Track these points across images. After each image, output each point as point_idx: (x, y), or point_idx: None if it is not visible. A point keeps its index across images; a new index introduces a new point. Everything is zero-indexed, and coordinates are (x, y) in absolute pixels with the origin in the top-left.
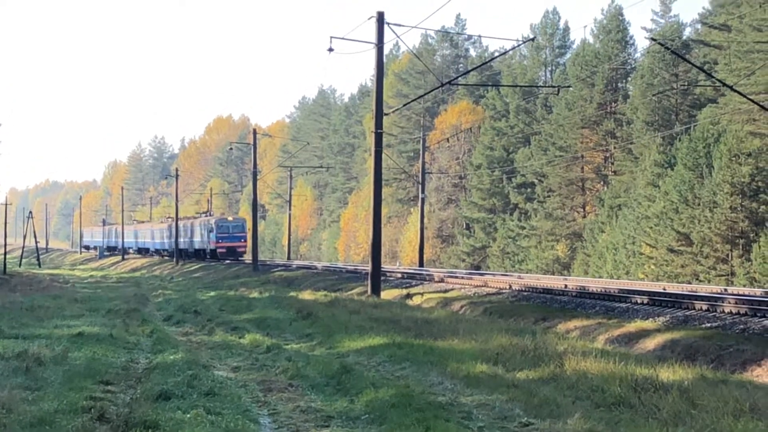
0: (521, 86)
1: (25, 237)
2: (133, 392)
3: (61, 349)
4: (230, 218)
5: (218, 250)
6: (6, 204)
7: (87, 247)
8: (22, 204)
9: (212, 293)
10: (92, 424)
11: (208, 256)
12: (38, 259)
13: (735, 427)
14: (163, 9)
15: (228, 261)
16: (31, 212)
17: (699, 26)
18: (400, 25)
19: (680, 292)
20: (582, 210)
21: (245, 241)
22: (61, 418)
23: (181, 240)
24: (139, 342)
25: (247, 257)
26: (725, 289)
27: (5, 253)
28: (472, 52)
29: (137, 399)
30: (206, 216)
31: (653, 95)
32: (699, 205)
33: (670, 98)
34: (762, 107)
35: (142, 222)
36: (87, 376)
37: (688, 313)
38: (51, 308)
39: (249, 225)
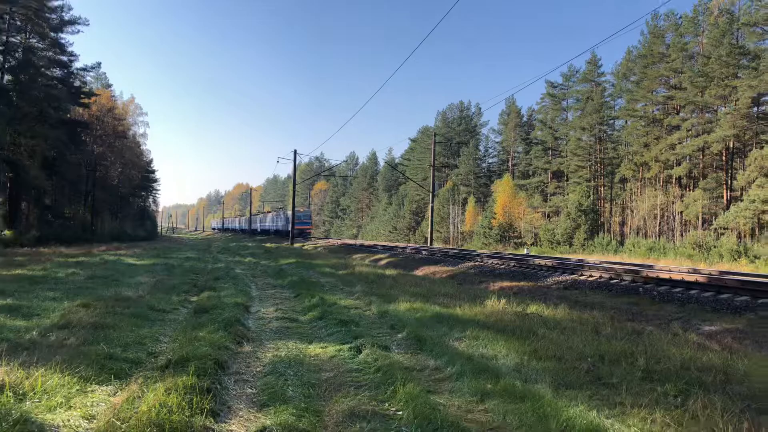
0: (341, 176)
1: (168, 224)
2: (205, 277)
3: (180, 261)
4: (301, 209)
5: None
6: (161, 212)
7: (213, 228)
8: (167, 212)
9: (234, 244)
10: (192, 288)
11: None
12: (173, 231)
13: (409, 290)
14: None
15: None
16: (171, 215)
17: (401, 158)
18: (301, 154)
19: (393, 245)
20: (361, 221)
21: (311, 226)
22: (180, 286)
23: (262, 225)
24: (208, 260)
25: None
26: (407, 245)
27: (160, 228)
28: (327, 164)
29: (207, 280)
30: (282, 210)
31: (385, 184)
32: (399, 218)
33: (378, 184)
34: (421, 186)
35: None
36: (190, 272)
37: (396, 252)
38: (174, 248)
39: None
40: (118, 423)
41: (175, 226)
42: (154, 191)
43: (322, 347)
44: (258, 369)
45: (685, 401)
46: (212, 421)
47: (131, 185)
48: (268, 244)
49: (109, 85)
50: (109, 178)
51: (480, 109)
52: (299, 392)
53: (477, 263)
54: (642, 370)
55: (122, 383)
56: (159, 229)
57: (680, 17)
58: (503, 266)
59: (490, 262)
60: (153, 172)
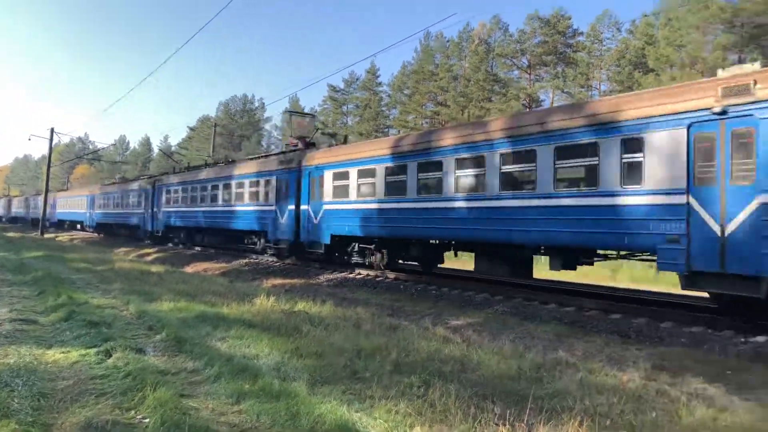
0: (109, 161)
1: None
2: None
3: None
4: None
5: None
6: None
7: None
8: None
9: None
10: None
11: None
12: None
13: (175, 287)
14: None
15: None
16: None
17: (177, 146)
18: (60, 133)
19: None
20: None
21: None
22: None
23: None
24: None
25: None
26: None
27: None
28: (91, 146)
29: None
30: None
31: (159, 172)
32: None
33: (151, 172)
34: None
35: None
36: None
37: (167, 247)
38: None
39: None
40: None
41: None
42: None
43: (63, 352)
44: None
45: (427, 391)
46: None
47: None
48: (10, 234)
49: None
50: None
51: (264, 104)
52: (27, 404)
53: (252, 260)
54: (393, 364)
55: None
56: None
57: (448, 40)
58: (278, 264)
59: (265, 259)
60: None
